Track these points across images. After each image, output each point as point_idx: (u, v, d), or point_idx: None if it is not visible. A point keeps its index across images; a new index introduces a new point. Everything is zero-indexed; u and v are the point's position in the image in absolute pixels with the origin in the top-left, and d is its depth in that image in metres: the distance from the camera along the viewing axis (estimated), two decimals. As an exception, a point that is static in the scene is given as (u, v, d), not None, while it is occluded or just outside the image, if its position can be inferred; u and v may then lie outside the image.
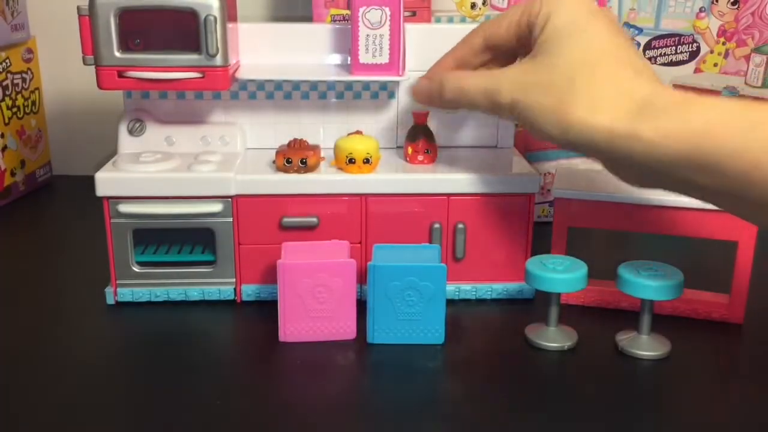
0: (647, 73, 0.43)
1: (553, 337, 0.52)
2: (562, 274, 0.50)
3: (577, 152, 0.45)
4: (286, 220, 0.55)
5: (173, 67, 0.53)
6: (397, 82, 0.60)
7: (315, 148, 0.57)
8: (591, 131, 0.41)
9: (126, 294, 0.57)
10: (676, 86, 0.73)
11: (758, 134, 0.36)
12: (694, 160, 0.38)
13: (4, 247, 0.70)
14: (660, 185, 0.42)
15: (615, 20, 0.47)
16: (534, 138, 0.45)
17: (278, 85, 0.61)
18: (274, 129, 0.61)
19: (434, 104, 0.52)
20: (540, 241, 0.58)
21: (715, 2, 0.71)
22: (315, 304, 0.51)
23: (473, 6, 0.71)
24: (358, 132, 0.58)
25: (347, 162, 0.55)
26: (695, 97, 0.40)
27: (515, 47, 0.49)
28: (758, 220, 0.39)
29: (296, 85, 0.61)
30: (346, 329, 0.52)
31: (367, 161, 0.55)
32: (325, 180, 0.55)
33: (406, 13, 0.60)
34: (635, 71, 0.42)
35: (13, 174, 0.81)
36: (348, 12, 0.67)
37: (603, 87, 0.41)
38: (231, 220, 0.55)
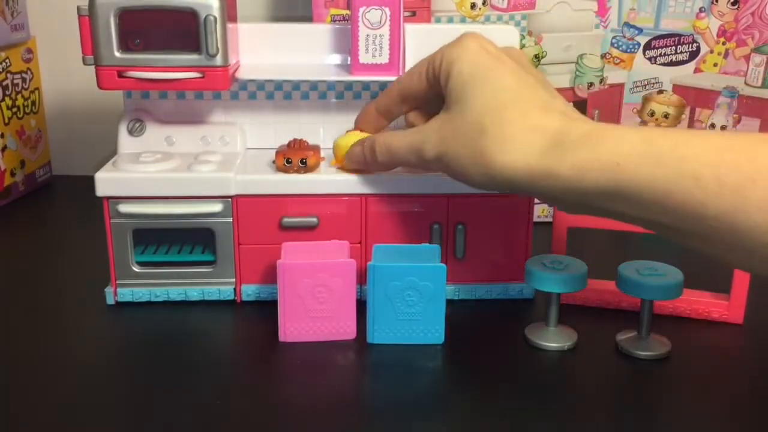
0: (556, 107, 0.44)
1: (553, 337, 0.52)
2: (562, 274, 0.50)
3: (506, 192, 0.46)
4: (286, 220, 0.55)
5: (173, 67, 0.53)
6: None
7: (315, 148, 0.57)
8: (509, 173, 0.42)
9: (126, 294, 0.56)
10: (676, 87, 0.73)
11: (665, 164, 0.37)
12: (611, 192, 0.39)
13: (4, 247, 0.70)
14: (593, 214, 0.42)
15: (521, 59, 0.49)
16: (467, 185, 0.46)
17: (278, 85, 0.61)
18: (274, 129, 0.61)
19: (369, 168, 0.54)
20: (540, 241, 0.58)
21: (715, 2, 0.71)
22: (315, 304, 0.51)
23: (473, 6, 0.71)
24: (356, 130, 0.57)
25: None
26: (604, 128, 0.41)
27: (430, 96, 0.50)
28: (700, 250, 0.39)
29: (296, 85, 0.61)
30: (346, 329, 0.52)
31: None
32: (325, 180, 0.55)
33: (406, 13, 0.60)
34: (543, 108, 0.43)
35: (12, 174, 0.81)
36: (348, 12, 0.67)
37: (512, 128, 0.42)
38: (231, 220, 0.55)
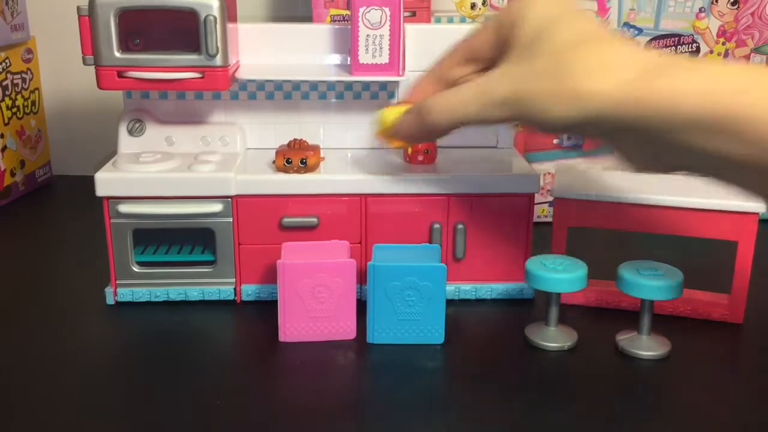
0: (643, 47, 0.42)
1: (553, 337, 0.52)
2: (562, 274, 0.50)
3: (584, 134, 0.44)
4: (286, 220, 0.55)
5: (173, 67, 0.54)
6: (397, 83, 0.60)
7: (315, 148, 0.57)
8: (598, 101, 0.39)
9: (126, 294, 0.56)
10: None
11: None
12: (710, 121, 0.36)
13: (4, 247, 0.70)
14: (669, 160, 0.41)
15: (579, 8, 0.46)
16: (541, 131, 0.44)
17: (278, 85, 0.61)
18: (274, 129, 0.61)
19: (425, 135, 0.49)
20: (540, 241, 0.58)
21: (714, 2, 0.71)
22: (315, 304, 0.51)
23: (473, 6, 0.71)
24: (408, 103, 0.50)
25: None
26: (708, 59, 0.39)
27: (496, 56, 0.47)
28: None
29: (296, 85, 0.61)
30: (346, 329, 0.52)
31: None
32: (325, 180, 0.55)
33: (406, 14, 0.60)
34: (630, 43, 0.41)
35: (13, 174, 0.81)
36: (348, 12, 0.67)
37: (601, 55, 0.40)
38: (231, 220, 0.55)
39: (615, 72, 0.39)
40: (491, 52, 0.47)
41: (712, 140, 0.37)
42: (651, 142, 0.40)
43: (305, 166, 0.55)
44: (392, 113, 0.50)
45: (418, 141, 0.52)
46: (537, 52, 0.42)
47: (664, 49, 0.72)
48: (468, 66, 0.49)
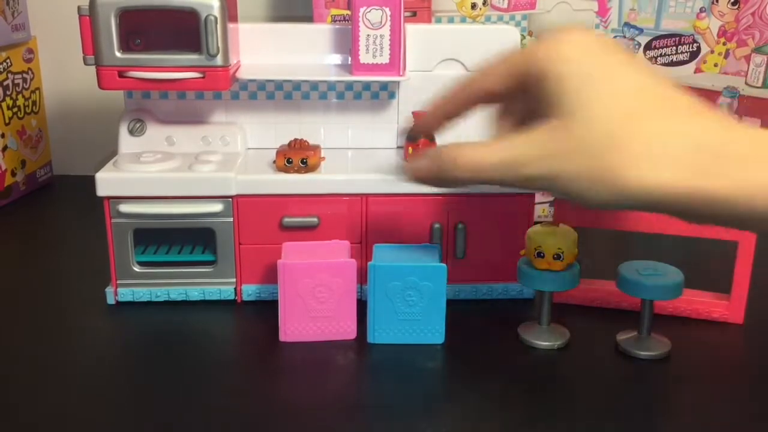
0: (701, 110, 0.36)
1: (545, 336, 0.52)
2: (551, 272, 0.50)
3: (631, 209, 0.38)
4: (286, 220, 0.55)
5: (174, 67, 0.54)
6: (397, 83, 0.60)
7: (315, 148, 0.57)
8: (646, 192, 0.35)
9: (126, 294, 0.57)
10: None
11: None
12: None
13: (4, 247, 0.70)
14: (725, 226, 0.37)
15: (624, 48, 0.40)
16: (581, 204, 0.39)
17: (279, 85, 0.61)
18: (274, 129, 0.61)
19: (443, 185, 0.44)
20: (540, 241, 0.58)
21: (715, 2, 0.71)
22: (315, 304, 0.51)
23: (473, 6, 0.71)
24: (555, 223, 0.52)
25: (535, 255, 0.51)
26: (764, 142, 0.34)
27: (516, 95, 0.42)
28: None
29: (297, 85, 0.61)
30: (346, 329, 0.52)
31: (557, 257, 0.50)
32: (325, 180, 0.55)
33: (407, 14, 0.60)
34: (686, 111, 0.36)
35: (13, 174, 0.81)
36: (348, 12, 0.67)
37: (650, 138, 0.35)
38: (231, 220, 0.55)
39: (668, 161, 0.34)
40: (510, 94, 0.42)
41: None
42: (701, 221, 0.36)
43: (306, 166, 0.55)
44: (540, 235, 0.50)
45: (433, 186, 0.45)
46: (575, 122, 0.37)
47: (667, 48, 0.72)
48: (482, 103, 0.44)
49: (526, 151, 0.39)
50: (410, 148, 0.58)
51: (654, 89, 0.36)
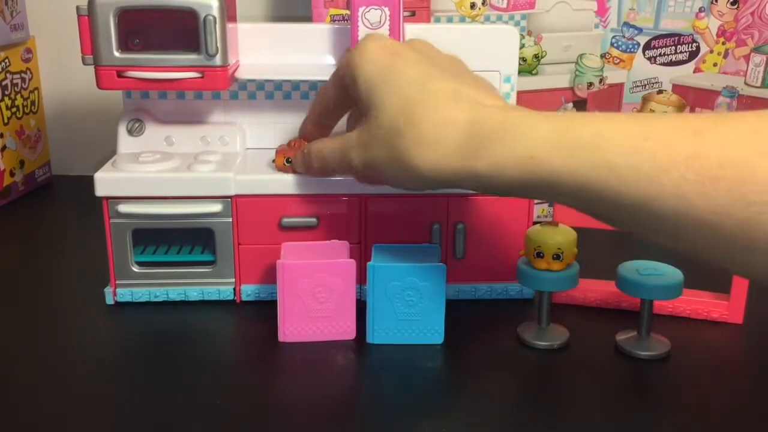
0: (466, 95, 0.42)
1: (544, 336, 0.52)
2: (551, 272, 0.50)
3: (437, 190, 0.45)
4: (285, 220, 0.55)
5: (173, 67, 0.53)
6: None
7: None
8: (431, 173, 0.41)
9: (125, 294, 0.56)
10: (676, 87, 0.73)
11: (578, 156, 0.36)
12: (529, 185, 0.38)
13: (3, 247, 0.70)
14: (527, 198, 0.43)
15: (426, 49, 0.47)
16: (399, 189, 0.46)
17: (278, 85, 0.61)
18: (273, 129, 0.61)
19: (310, 174, 0.53)
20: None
21: (714, 2, 0.71)
22: (315, 304, 0.51)
23: (473, 6, 0.71)
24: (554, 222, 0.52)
25: (535, 255, 0.51)
26: (516, 116, 0.39)
27: (352, 102, 0.49)
28: (643, 238, 0.38)
29: (296, 85, 0.61)
30: (346, 329, 0.52)
31: (557, 257, 0.50)
32: (325, 180, 0.55)
33: (406, 13, 0.60)
34: (452, 98, 0.41)
35: (12, 174, 0.81)
36: (347, 12, 0.67)
37: (424, 125, 0.41)
38: (230, 220, 0.55)
39: (440, 144, 0.40)
40: (349, 100, 0.49)
41: (541, 196, 0.40)
42: (496, 194, 0.42)
43: None
44: (540, 235, 0.51)
45: (309, 176, 0.54)
46: (374, 117, 0.44)
47: (666, 48, 0.72)
48: (335, 113, 0.53)
49: (349, 143, 0.46)
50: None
51: (427, 81, 0.42)
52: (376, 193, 0.55)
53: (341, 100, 0.50)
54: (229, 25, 0.55)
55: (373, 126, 0.44)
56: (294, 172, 0.55)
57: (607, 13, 0.72)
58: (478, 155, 0.39)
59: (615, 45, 0.72)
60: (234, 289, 0.57)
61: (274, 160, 0.56)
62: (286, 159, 0.55)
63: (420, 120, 0.41)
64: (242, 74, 0.57)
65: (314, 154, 0.51)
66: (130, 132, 0.59)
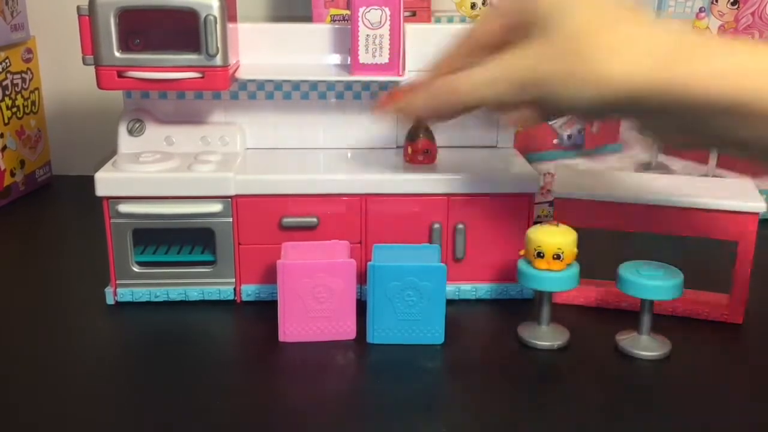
0: (662, 23, 0.41)
1: (545, 336, 0.52)
2: (552, 272, 0.50)
3: (605, 116, 0.43)
4: (286, 220, 0.55)
5: (173, 67, 0.54)
6: (397, 83, 0.60)
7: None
8: (621, 84, 0.39)
9: (126, 294, 0.56)
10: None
11: None
12: (731, 105, 0.37)
13: (4, 247, 0.70)
14: (697, 141, 0.41)
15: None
16: (561, 113, 0.44)
17: (278, 85, 0.61)
18: (273, 129, 0.61)
19: (441, 113, 0.48)
20: (540, 241, 0.58)
21: (714, 2, 0.71)
22: (315, 304, 0.51)
23: (473, 6, 0.71)
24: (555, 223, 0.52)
25: (535, 255, 0.51)
26: (719, 40, 0.39)
27: (504, 44, 0.45)
28: None
29: (296, 85, 0.61)
30: (346, 329, 0.52)
31: (557, 257, 0.50)
32: (325, 180, 0.55)
33: (406, 13, 0.60)
34: (651, 22, 0.41)
35: (12, 174, 0.81)
36: (348, 12, 0.67)
37: (623, 36, 0.40)
38: (231, 220, 0.55)
39: (636, 55, 0.39)
40: (500, 41, 0.45)
41: (734, 123, 0.38)
42: (675, 123, 0.40)
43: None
44: (540, 235, 0.51)
45: (432, 117, 0.51)
46: (556, 33, 0.41)
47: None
48: (476, 57, 0.47)
49: (516, 62, 0.43)
50: (410, 148, 0.58)
51: (621, 11, 0.41)
52: (376, 193, 0.55)
53: (494, 40, 0.45)
54: (230, 25, 0.55)
55: (554, 40, 0.41)
56: (411, 113, 0.50)
57: (608, 13, 0.71)
58: (678, 68, 0.38)
59: (615, 45, 0.72)
60: (234, 289, 0.57)
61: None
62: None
63: (618, 32, 0.40)
64: (242, 74, 0.57)
65: (462, 84, 0.45)
66: (130, 132, 0.59)
